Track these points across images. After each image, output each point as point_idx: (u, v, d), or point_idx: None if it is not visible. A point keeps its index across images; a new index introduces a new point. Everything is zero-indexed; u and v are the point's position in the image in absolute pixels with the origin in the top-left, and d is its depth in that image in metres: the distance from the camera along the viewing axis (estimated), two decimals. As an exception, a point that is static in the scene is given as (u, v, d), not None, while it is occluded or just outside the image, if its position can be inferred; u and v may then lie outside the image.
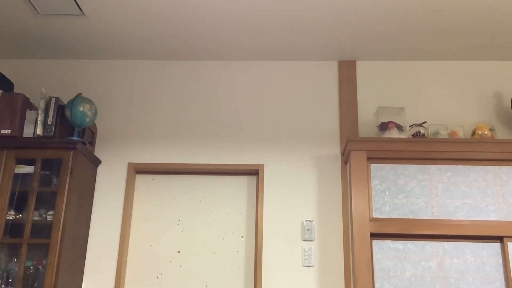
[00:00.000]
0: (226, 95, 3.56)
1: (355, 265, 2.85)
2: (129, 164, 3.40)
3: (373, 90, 3.52)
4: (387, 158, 3.08)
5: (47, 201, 3.06)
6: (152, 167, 3.40)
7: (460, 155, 3.04)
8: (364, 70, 3.57)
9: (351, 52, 3.49)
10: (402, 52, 3.48)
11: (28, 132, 3.10)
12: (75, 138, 3.11)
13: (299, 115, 3.48)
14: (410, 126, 3.29)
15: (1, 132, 3.05)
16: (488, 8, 2.98)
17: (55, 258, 2.84)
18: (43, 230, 3.00)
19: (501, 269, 2.87)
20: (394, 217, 2.97)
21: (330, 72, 3.58)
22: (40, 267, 3.00)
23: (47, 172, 3.10)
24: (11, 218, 2.98)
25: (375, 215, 2.98)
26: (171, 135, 3.48)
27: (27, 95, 3.43)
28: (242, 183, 3.44)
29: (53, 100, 3.16)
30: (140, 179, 3.47)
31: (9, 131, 3.05)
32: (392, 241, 2.95)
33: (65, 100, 3.44)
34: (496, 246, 2.92)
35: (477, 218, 2.94)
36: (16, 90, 3.55)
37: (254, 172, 3.41)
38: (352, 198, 2.98)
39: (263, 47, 3.46)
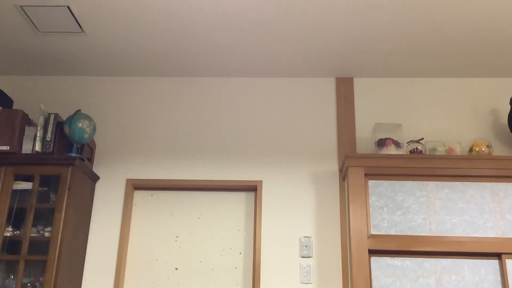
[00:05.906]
0: (224, 112, 3.57)
1: (353, 282, 2.84)
2: (127, 180, 3.40)
3: (371, 106, 3.54)
4: (385, 175, 3.08)
5: (45, 217, 3.06)
6: (150, 183, 3.40)
7: (457, 171, 3.05)
8: (361, 87, 3.59)
9: (348, 69, 3.51)
10: (399, 69, 3.51)
11: (26, 148, 3.10)
12: (73, 155, 3.12)
13: (297, 132, 3.50)
14: (407, 143, 3.31)
15: (0, 148, 3.05)
16: (483, 27, 3.01)
17: (53, 275, 2.83)
18: (41, 246, 2.99)
19: (500, 286, 2.86)
20: (392, 233, 2.97)
21: (327, 89, 3.60)
22: (37, 284, 2.98)
23: (45, 189, 3.10)
24: (8, 234, 2.98)
25: (373, 231, 2.98)
26: (169, 151, 3.48)
27: (26, 112, 3.44)
28: (240, 199, 3.43)
29: (52, 117, 3.17)
30: (138, 195, 3.47)
31: (8, 147, 3.05)
32: (390, 257, 2.95)
33: (64, 116, 3.45)
34: (494, 263, 2.91)
35: (475, 235, 2.95)
36: (15, 106, 3.57)
37: (252, 188, 3.41)
38: (350, 214, 2.98)
39: (261, 64, 3.49)
